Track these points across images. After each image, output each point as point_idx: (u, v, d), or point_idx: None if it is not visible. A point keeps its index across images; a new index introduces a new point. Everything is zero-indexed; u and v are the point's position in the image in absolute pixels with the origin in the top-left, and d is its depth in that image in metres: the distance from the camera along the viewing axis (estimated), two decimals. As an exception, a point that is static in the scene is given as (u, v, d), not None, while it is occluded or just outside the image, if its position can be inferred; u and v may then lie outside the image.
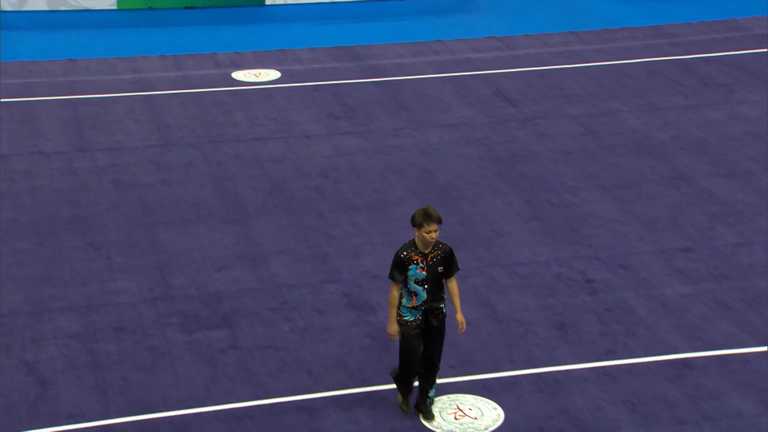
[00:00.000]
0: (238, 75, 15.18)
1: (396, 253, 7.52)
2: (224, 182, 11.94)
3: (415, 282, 7.50)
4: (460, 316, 7.60)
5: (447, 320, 7.78)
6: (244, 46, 16.52)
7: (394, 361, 8.72)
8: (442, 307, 7.68)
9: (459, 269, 7.71)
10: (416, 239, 7.52)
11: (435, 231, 7.41)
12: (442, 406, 8.20)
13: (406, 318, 7.61)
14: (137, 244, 10.55)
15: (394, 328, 7.65)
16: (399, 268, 7.48)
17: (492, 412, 8.20)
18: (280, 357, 8.86)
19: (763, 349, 8.98)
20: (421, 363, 7.68)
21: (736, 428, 8.06)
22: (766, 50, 16.03)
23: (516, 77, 15.04)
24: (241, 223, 11.01)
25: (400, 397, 8.04)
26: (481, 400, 8.28)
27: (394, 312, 7.62)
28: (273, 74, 15.20)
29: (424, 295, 7.51)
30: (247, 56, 15.94)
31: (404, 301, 7.61)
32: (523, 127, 13.36)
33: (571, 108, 14.01)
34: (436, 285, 7.56)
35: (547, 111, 13.85)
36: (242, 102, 14.21)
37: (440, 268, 7.53)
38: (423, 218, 7.38)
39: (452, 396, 8.35)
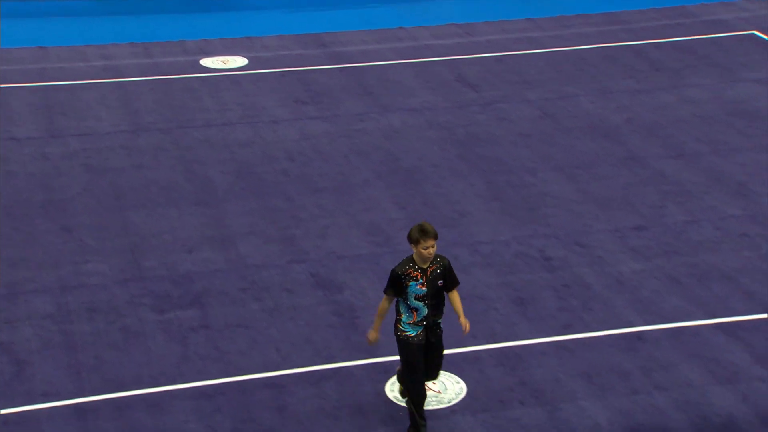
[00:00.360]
0: (207, 62, 15.03)
1: (393, 269, 7.25)
2: (194, 166, 11.84)
3: (415, 298, 7.24)
4: (464, 320, 7.41)
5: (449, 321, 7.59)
6: (212, 33, 16.36)
7: (360, 339, 8.74)
8: (440, 323, 7.41)
9: (459, 283, 7.43)
10: (414, 255, 7.22)
11: (432, 246, 7.15)
12: (407, 380, 8.22)
13: (408, 333, 7.31)
14: (109, 226, 10.46)
15: (373, 335, 7.45)
16: (394, 284, 7.22)
17: (455, 386, 8.23)
18: (250, 335, 8.83)
19: (712, 321, 9.08)
20: (424, 374, 7.44)
21: (687, 397, 8.16)
22: (714, 36, 16.10)
23: (477, 63, 15.00)
24: (211, 206, 10.94)
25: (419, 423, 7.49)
26: (444, 375, 8.31)
27: (379, 322, 7.39)
28: (241, 61, 15.08)
29: (425, 311, 7.26)
30: (215, 43, 15.79)
31: (404, 317, 7.31)
32: (483, 111, 13.31)
33: (529, 93, 14.02)
34: (436, 299, 7.30)
35: (506, 95, 13.78)
36: (211, 88, 14.08)
37: (440, 282, 7.26)
38: (419, 234, 7.12)
39: (416, 370, 8.35)
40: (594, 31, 16.38)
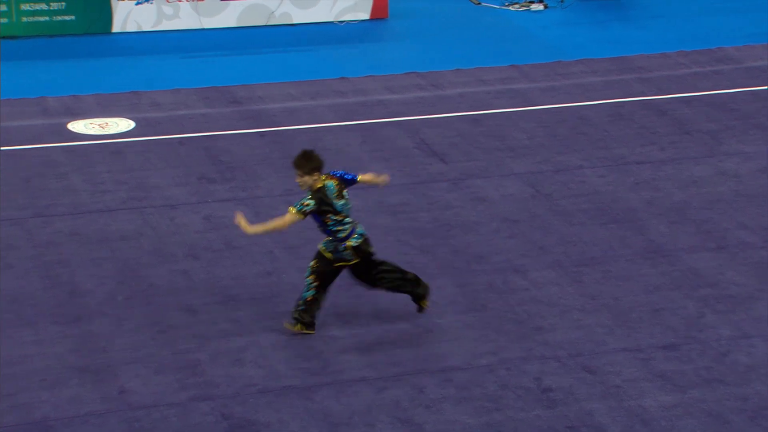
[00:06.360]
0: (76, 126, 15.02)
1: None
2: (57, 269, 11.73)
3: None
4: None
5: None
6: (83, 87, 16.39)
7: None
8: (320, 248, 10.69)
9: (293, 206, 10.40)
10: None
11: (296, 177, 10.46)
12: None
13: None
14: (-62, 354, 10.27)
15: None
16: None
17: None
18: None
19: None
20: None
21: None
22: (760, 88, 16.32)
23: (444, 124, 15.13)
24: (81, 324, 10.81)
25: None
26: None
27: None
28: (123, 124, 15.10)
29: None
30: (87, 101, 15.79)
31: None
32: (454, 188, 13.41)
33: (515, 163, 14.15)
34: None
35: (485, 168, 13.93)
36: (81, 161, 14.03)
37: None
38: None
39: None
40: (600, 82, 16.57)
